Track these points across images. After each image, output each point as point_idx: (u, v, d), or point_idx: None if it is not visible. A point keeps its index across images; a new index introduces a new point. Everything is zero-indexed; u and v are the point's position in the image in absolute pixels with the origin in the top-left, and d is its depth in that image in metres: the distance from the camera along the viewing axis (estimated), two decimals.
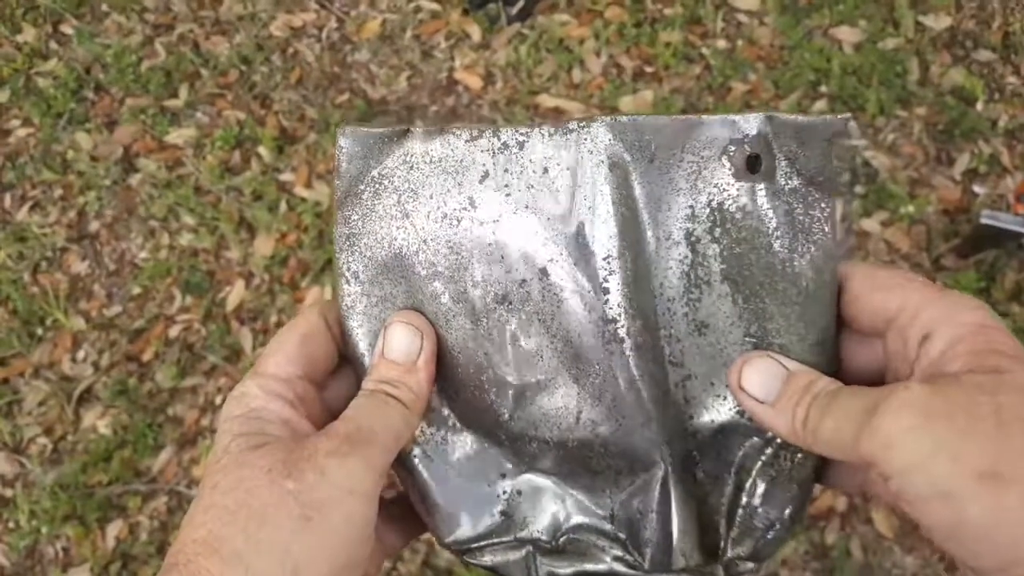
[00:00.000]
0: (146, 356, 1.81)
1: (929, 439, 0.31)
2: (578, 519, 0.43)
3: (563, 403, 0.43)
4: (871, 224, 1.81)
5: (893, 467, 0.32)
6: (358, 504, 0.38)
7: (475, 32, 2.14)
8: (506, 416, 0.43)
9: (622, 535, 0.42)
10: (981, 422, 0.31)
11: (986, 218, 1.65)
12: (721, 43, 2.02)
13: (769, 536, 0.42)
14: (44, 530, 1.65)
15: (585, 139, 0.41)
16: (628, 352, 0.41)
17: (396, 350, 0.42)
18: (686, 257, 0.42)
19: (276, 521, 0.36)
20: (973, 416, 0.32)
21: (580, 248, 0.41)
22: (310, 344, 0.44)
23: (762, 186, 0.42)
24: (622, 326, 0.40)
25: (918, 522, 0.33)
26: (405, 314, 0.43)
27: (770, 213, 0.42)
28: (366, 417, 0.40)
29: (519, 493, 0.44)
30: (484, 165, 0.42)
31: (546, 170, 0.42)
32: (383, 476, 0.39)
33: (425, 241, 0.43)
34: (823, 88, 1.94)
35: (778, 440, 0.41)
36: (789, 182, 0.42)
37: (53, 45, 2.25)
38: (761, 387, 0.40)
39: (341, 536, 0.37)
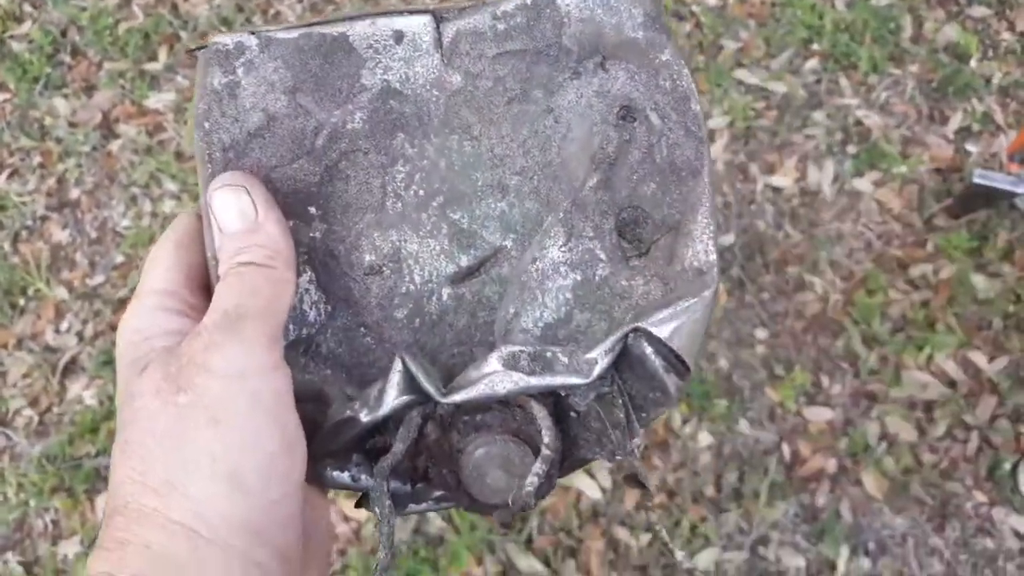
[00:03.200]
0: None
1: None
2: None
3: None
4: (863, 184, 1.79)
5: None
6: (258, 382, 0.36)
7: None
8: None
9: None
10: None
11: (979, 177, 1.64)
12: (712, 0, 1.98)
13: None
14: (32, 503, 1.64)
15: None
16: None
17: (227, 220, 0.40)
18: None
19: (188, 438, 0.35)
20: None
21: None
22: (187, 251, 0.42)
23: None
24: None
25: None
26: (220, 178, 0.41)
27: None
28: (228, 298, 0.38)
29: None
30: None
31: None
32: (273, 343, 0.38)
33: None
34: (815, 46, 1.91)
35: None
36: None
37: (27, 8, 2.19)
38: None
39: (259, 420, 0.36)
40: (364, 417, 0.39)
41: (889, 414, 1.65)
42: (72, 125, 2.02)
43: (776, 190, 1.80)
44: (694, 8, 1.97)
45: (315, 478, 0.42)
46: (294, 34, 0.43)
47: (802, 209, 1.79)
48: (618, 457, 0.41)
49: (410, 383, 0.39)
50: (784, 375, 1.68)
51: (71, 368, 1.76)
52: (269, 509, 0.36)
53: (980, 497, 1.61)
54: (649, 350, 0.40)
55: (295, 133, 0.43)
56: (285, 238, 0.40)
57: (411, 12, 0.43)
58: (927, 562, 1.57)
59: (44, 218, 1.93)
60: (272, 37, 0.43)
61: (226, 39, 0.42)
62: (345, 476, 0.42)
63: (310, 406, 0.41)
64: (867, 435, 1.64)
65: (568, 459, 0.42)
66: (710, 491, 1.62)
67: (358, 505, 0.45)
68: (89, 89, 2.07)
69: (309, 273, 0.44)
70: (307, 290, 0.44)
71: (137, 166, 1.95)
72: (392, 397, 0.39)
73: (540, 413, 0.40)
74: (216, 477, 0.35)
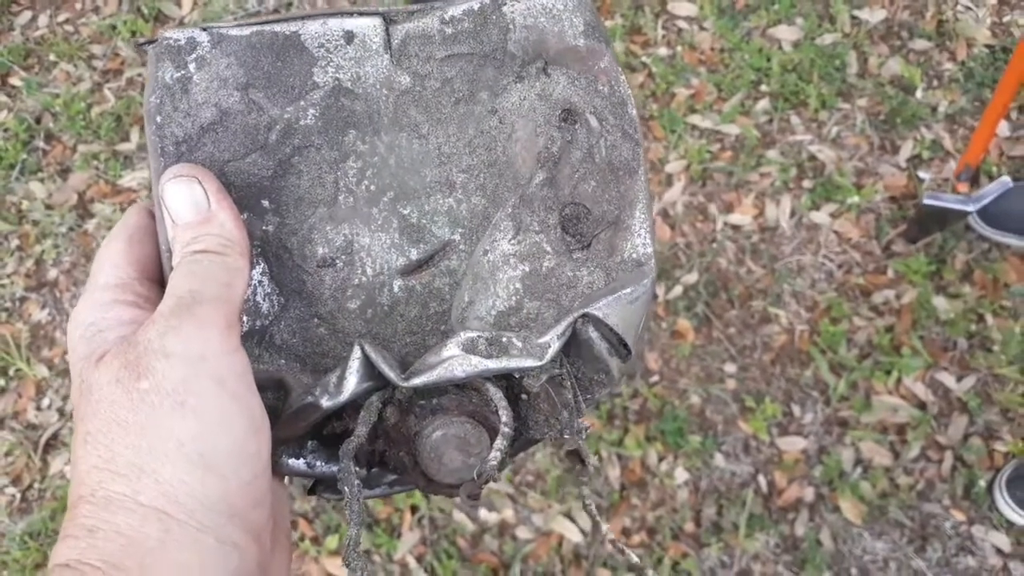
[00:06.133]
0: None
1: None
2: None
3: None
4: (820, 216, 1.84)
5: None
6: (219, 364, 0.36)
7: None
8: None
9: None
10: None
11: (929, 199, 1.68)
12: (662, 50, 2.04)
13: None
14: None
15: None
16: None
17: (180, 210, 0.40)
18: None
19: (153, 423, 0.34)
20: None
21: None
22: (139, 245, 0.42)
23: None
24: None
25: None
26: (172, 170, 0.41)
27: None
28: (182, 284, 0.38)
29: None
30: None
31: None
32: (230, 327, 0.38)
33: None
34: (764, 87, 1.97)
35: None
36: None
37: (2, 98, 2.25)
38: None
39: (224, 402, 0.36)
40: (325, 403, 0.41)
41: (862, 439, 1.67)
42: (48, 207, 2.06)
43: (736, 228, 1.84)
44: (645, 59, 2.03)
45: (271, 465, 0.42)
46: (246, 31, 0.43)
47: (762, 244, 1.83)
48: (566, 436, 0.43)
49: (369, 369, 0.41)
50: (755, 407, 1.70)
51: (52, 444, 1.78)
52: (241, 490, 0.36)
53: (959, 516, 1.62)
54: (595, 334, 0.42)
55: (248, 128, 0.44)
56: (238, 227, 0.41)
57: (361, 14, 0.45)
58: None
59: (23, 299, 1.96)
60: (224, 34, 0.43)
61: (177, 34, 0.43)
62: (300, 463, 0.43)
63: (269, 394, 0.42)
64: (842, 461, 1.65)
65: (518, 440, 0.44)
66: (690, 527, 1.63)
67: (311, 492, 0.46)
68: (64, 172, 2.12)
69: (262, 265, 0.45)
70: (260, 282, 0.44)
71: None
72: (353, 383, 0.40)
73: (496, 395, 0.41)
74: (187, 460, 0.34)
